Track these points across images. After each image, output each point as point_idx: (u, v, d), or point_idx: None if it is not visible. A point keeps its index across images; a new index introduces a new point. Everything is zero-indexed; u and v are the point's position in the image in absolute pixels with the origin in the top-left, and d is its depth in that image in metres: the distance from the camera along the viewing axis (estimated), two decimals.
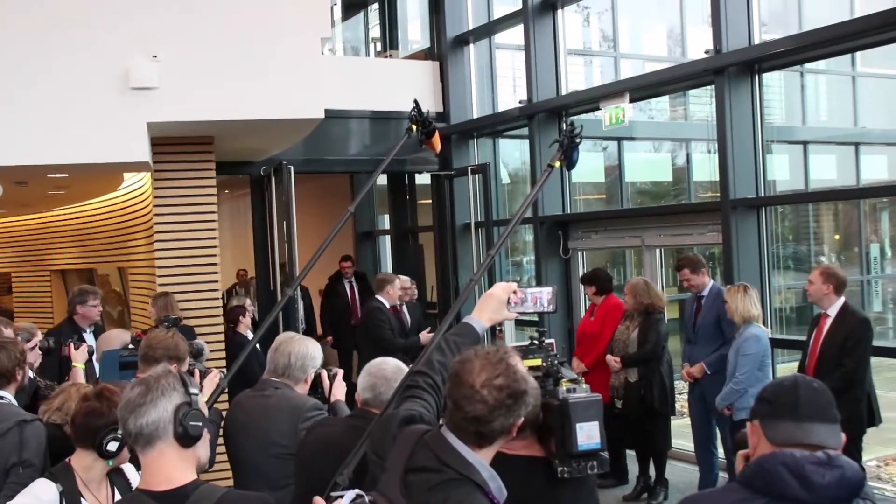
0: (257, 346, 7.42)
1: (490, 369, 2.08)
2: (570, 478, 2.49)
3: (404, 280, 8.47)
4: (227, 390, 6.61)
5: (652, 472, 7.12)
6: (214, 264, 7.46)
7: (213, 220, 7.45)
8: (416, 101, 3.90)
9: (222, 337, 7.38)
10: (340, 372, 3.90)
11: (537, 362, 2.82)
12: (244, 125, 6.78)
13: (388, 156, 3.90)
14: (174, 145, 7.19)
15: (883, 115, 14.60)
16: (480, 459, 2.09)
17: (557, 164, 3.12)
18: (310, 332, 9.48)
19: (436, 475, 2.05)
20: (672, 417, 7.17)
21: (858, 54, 11.71)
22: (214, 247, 7.45)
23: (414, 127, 3.88)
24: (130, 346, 4.35)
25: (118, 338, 4.54)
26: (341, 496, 2.09)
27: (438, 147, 4.11)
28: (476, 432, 2.08)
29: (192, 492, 2.17)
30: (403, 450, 2.14)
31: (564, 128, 3.13)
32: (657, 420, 6.90)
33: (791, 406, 2.00)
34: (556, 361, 2.76)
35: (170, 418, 2.19)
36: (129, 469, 3.05)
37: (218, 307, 7.55)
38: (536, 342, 2.88)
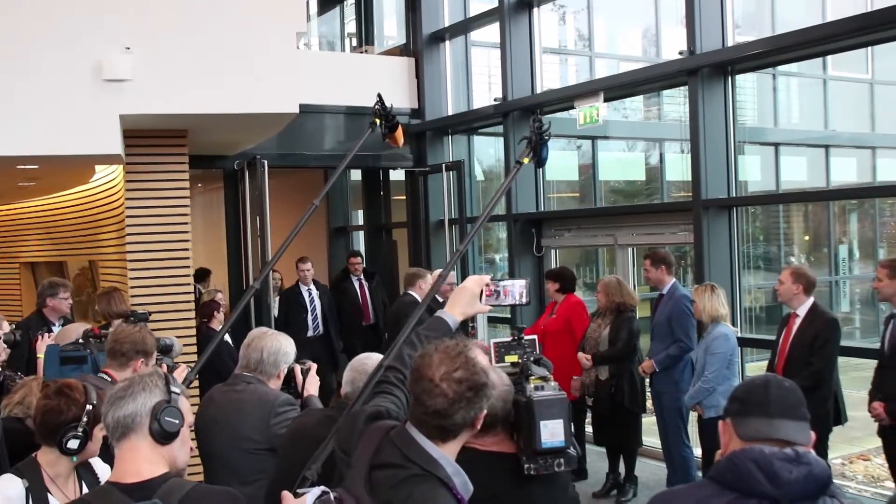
0: (229, 340, 7.46)
1: (449, 363, 2.07)
2: (539, 475, 2.52)
3: (436, 274, 8.09)
4: (198, 385, 6.64)
5: (622, 468, 7.16)
6: (187, 258, 7.41)
7: (186, 214, 7.39)
8: (379, 95, 3.90)
9: (194, 332, 7.34)
10: (314, 366, 3.89)
11: (515, 359, 2.84)
12: (218, 119, 6.74)
13: (352, 150, 3.89)
14: (147, 138, 7.13)
15: (852, 119, 14.80)
16: (445, 454, 2.08)
17: (526, 160, 3.13)
18: (326, 335, 9.31)
19: (400, 471, 2.04)
20: (643, 415, 7.22)
21: (829, 58, 11.88)
22: (187, 241, 7.40)
23: (377, 121, 3.88)
24: (80, 340, 4.28)
25: (77, 332, 4.47)
26: (307, 492, 2.09)
27: (401, 141, 4.11)
28: (438, 426, 2.08)
29: (160, 485, 2.16)
30: (369, 446, 2.13)
31: (532, 124, 3.13)
32: (627, 418, 6.95)
33: (762, 404, 2.03)
34: (531, 358, 2.77)
35: (147, 412, 2.20)
36: (97, 463, 3.03)
37: (190, 301, 7.50)
38: (516, 339, 2.89)
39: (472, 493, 2.56)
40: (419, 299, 7.20)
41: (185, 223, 7.40)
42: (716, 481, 2.01)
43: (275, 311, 8.74)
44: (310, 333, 9.12)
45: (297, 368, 3.81)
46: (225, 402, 3.66)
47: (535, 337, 3.13)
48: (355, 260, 9.93)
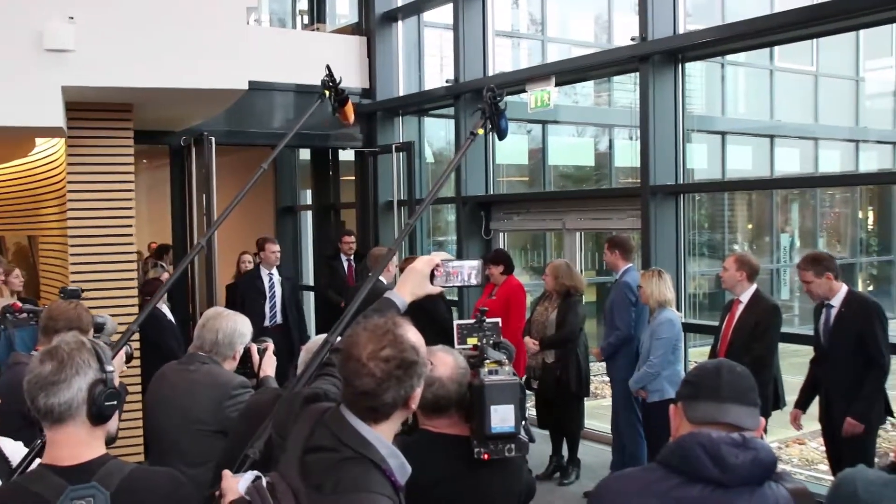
0: (172, 320, 7.35)
1: (376, 341, 2.00)
2: (490, 459, 2.52)
3: (443, 256, 7.75)
4: (139, 364, 6.54)
5: (565, 451, 7.23)
6: (130, 235, 7.27)
7: (130, 190, 7.24)
8: (328, 67, 3.83)
9: (136, 310, 7.21)
10: (271, 346, 3.82)
11: (475, 341, 2.82)
12: (164, 93, 6.60)
13: (299, 121, 3.81)
14: (90, 111, 6.96)
15: (797, 110, 15.07)
16: (379, 436, 2.02)
17: (481, 131, 3.09)
18: (285, 325, 8.47)
19: (332, 454, 1.98)
20: (585, 399, 7.30)
21: (776, 49, 12.08)
22: (130, 217, 7.25)
23: (326, 93, 3.82)
24: None
25: None
26: (241, 476, 2.04)
27: (351, 117, 4.05)
28: (369, 407, 2.01)
29: (98, 467, 2.10)
30: (303, 429, 2.07)
31: (486, 94, 3.08)
32: (572, 401, 7.01)
33: (713, 388, 2.04)
34: (490, 342, 2.76)
35: (84, 398, 2.09)
36: (4, 442, 2.92)
37: (133, 279, 7.36)
38: (479, 321, 2.88)
39: (423, 476, 2.55)
40: (385, 283, 6.73)
41: (129, 199, 7.25)
42: (663, 465, 2.01)
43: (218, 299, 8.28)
44: (266, 323, 8.36)
45: (254, 348, 3.73)
46: (178, 381, 3.59)
47: (499, 320, 3.13)
48: (348, 239, 9.44)
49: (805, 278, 5.33)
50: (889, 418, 5.38)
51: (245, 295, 8.46)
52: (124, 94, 6.65)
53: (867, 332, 5.08)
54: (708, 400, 2.03)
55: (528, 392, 7.01)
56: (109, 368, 2.16)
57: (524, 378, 7.09)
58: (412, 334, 2.05)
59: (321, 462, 1.98)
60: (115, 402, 2.15)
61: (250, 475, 2.02)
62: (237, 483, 2.05)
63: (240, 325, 3.64)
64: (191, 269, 8.41)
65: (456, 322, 3.07)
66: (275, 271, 8.50)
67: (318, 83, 3.82)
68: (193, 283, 8.51)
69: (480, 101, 3.10)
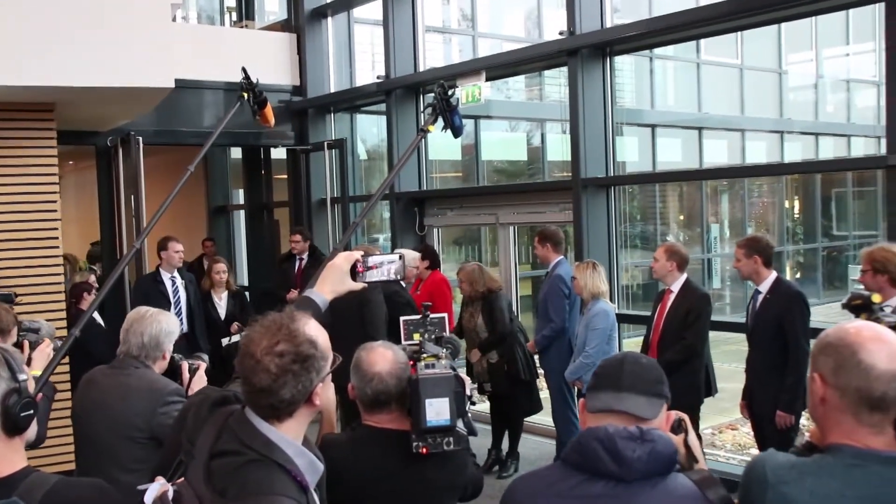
0: (101, 322, 7.15)
1: (270, 336, 1.93)
2: (430, 453, 2.52)
3: (413, 256, 7.06)
4: (68, 369, 6.37)
5: (505, 445, 7.27)
6: (55, 238, 7.07)
7: (55, 192, 7.05)
8: (244, 69, 3.79)
9: (64, 314, 7.03)
10: (203, 365, 3.75)
11: (419, 336, 2.82)
12: (87, 93, 6.43)
13: (222, 121, 3.77)
14: (9, 111, 6.74)
15: (724, 102, 15.40)
16: (283, 436, 1.95)
17: (432, 128, 3.07)
18: (191, 333, 7.60)
19: (237, 458, 1.91)
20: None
21: (703, 42, 12.29)
22: (55, 220, 7.06)
23: (245, 95, 3.77)
24: None
25: None
26: (146, 488, 1.98)
27: (271, 120, 4.01)
28: (268, 406, 1.94)
29: (20, 481, 2.03)
30: (210, 434, 1.99)
31: (437, 90, 3.05)
32: (523, 387, 7.02)
33: (613, 377, 2.01)
34: (431, 337, 2.75)
35: None
36: None
37: (60, 283, 7.17)
38: (424, 316, 2.87)
39: (363, 471, 2.53)
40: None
41: (54, 201, 7.05)
42: (566, 463, 1.97)
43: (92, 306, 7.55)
44: None
45: (185, 365, 3.67)
46: (110, 385, 3.51)
47: (445, 315, 3.12)
48: (294, 238, 8.82)
49: (736, 255, 5.45)
50: None
51: (147, 300, 7.67)
52: (44, 93, 6.45)
53: (786, 319, 5.19)
54: (607, 390, 2.00)
55: (481, 395, 7.03)
56: (22, 377, 2.09)
57: (476, 385, 7.09)
58: (309, 328, 1.97)
59: (226, 467, 1.91)
60: (32, 412, 2.08)
61: (157, 485, 1.96)
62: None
63: (165, 324, 3.56)
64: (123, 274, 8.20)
65: (402, 318, 3.06)
66: (177, 274, 7.74)
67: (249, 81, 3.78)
68: (123, 285, 8.32)
69: (419, 108, 3.08)
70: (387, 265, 2.67)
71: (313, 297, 2.51)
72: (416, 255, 7.21)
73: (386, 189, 3.18)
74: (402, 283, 6.28)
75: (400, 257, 2.70)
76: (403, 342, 3.04)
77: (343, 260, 2.60)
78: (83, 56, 6.08)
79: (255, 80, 3.77)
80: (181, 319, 7.48)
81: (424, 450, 2.51)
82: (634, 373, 2.01)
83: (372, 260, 2.64)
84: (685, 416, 2.14)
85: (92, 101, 6.90)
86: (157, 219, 3.52)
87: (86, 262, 11.00)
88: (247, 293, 11.15)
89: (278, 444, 1.93)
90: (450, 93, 3.03)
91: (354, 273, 2.60)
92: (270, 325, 1.95)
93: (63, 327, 6.76)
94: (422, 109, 8.75)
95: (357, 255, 2.63)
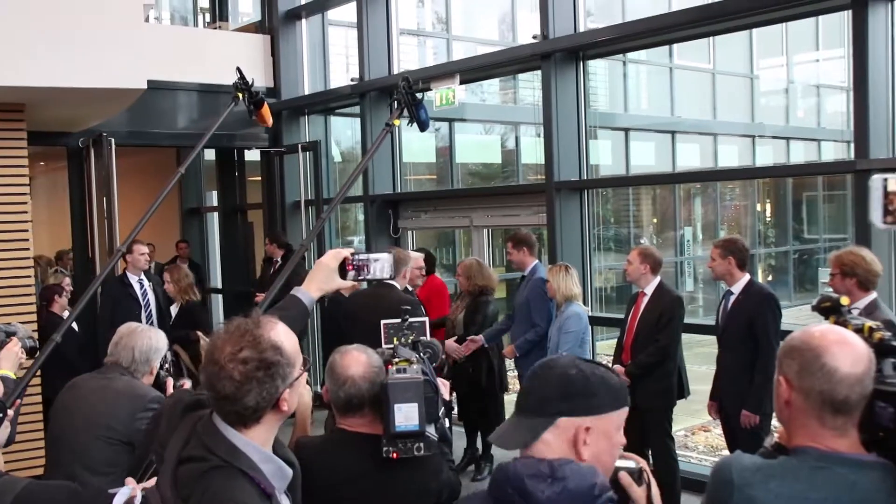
0: (75, 327, 7.08)
1: (233, 343, 1.89)
2: (401, 458, 2.51)
3: (417, 258, 6.83)
4: (40, 376, 6.30)
5: (479, 446, 7.27)
6: (26, 240, 7.00)
7: (25, 194, 6.98)
8: (238, 69, 3.77)
9: (35, 317, 6.96)
10: (187, 384, 3.76)
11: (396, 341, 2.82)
12: (57, 93, 6.37)
13: (214, 125, 3.75)
14: None
15: (696, 106, 15.52)
16: (249, 441, 1.92)
17: (398, 122, 3.06)
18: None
19: (202, 464, 1.89)
20: (505, 395, 7.31)
21: (675, 47, 12.40)
22: (26, 221, 6.99)
23: (240, 95, 3.76)
24: None
25: None
26: (116, 492, 1.97)
27: (269, 120, 4.00)
28: (233, 412, 1.90)
29: None
30: (179, 439, 1.97)
31: (402, 84, 3.05)
32: (487, 398, 7.02)
33: (520, 398, 1.88)
34: (406, 340, 2.75)
35: None
36: None
37: (30, 286, 7.10)
38: (403, 320, 2.86)
39: (334, 475, 2.51)
40: (399, 287, 5.73)
41: (24, 203, 6.98)
42: (490, 496, 1.81)
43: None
44: None
45: (170, 383, 3.68)
46: (95, 387, 3.53)
47: (425, 319, 3.10)
48: (270, 248, 8.89)
49: (712, 255, 5.50)
50: None
51: (115, 304, 7.40)
52: (14, 93, 6.39)
53: (757, 320, 5.23)
54: (515, 413, 1.87)
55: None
56: None
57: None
58: (275, 334, 1.93)
59: (190, 473, 1.88)
60: (3, 415, 2.07)
61: (126, 490, 1.95)
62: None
63: (154, 342, 3.61)
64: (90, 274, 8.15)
65: (383, 322, 3.04)
66: (143, 277, 7.59)
67: (222, 82, 3.78)
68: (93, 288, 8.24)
69: (395, 93, 3.06)
70: (377, 263, 2.64)
71: (300, 296, 2.50)
72: (419, 255, 7.06)
73: (354, 182, 3.17)
74: (409, 286, 6.17)
75: (390, 255, 2.67)
76: (383, 346, 3.03)
77: (331, 258, 2.59)
78: (54, 56, 6.03)
79: (250, 80, 3.75)
80: (152, 322, 7.37)
81: (395, 454, 2.50)
82: (531, 389, 1.86)
83: (361, 258, 2.62)
84: (645, 466, 1.89)
85: (63, 101, 6.84)
86: (143, 222, 3.53)
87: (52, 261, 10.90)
88: (221, 296, 11.13)
89: (244, 450, 1.90)
90: (413, 86, 3.02)
91: (344, 271, 2.59)
92: (235, 330, 1.91)
93: (34, 330, 6.69)
94: (388, 102, 8.75)
95: (346, 252, 2.62)
